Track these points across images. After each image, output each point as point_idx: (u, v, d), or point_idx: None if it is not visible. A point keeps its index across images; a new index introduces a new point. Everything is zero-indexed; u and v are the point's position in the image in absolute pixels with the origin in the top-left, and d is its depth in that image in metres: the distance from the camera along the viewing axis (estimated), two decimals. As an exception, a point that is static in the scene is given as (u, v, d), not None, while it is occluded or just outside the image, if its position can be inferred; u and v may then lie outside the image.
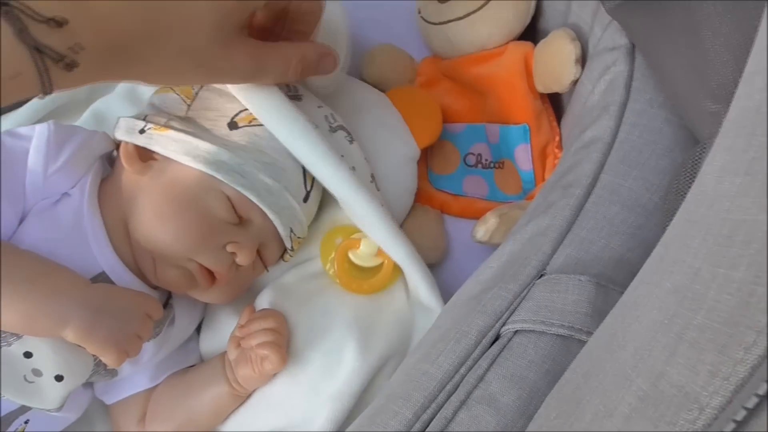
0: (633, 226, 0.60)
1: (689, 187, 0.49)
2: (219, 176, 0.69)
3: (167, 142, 0.70)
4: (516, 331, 0.55)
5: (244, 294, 0.80)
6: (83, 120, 0.87)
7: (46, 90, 0.47)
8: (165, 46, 0.51)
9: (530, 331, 0.54)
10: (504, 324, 0.56)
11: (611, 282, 0.57)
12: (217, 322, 0.82)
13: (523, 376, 0.53)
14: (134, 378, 0.78)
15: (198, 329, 0.85)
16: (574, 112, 0.81)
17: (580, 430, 0.38)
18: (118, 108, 0.88)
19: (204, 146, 0.69)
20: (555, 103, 0.91)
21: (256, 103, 0.70)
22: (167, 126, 0.71)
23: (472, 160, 0.93)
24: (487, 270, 0.64)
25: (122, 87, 0.90)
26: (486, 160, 0.92)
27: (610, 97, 0.67)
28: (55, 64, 0.46)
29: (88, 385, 0.76)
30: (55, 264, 0.65)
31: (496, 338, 0.57)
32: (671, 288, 0.35)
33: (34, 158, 0.68)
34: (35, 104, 0.85)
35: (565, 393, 0.44)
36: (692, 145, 0.63)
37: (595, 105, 0.70)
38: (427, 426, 0.53)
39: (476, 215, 0.87)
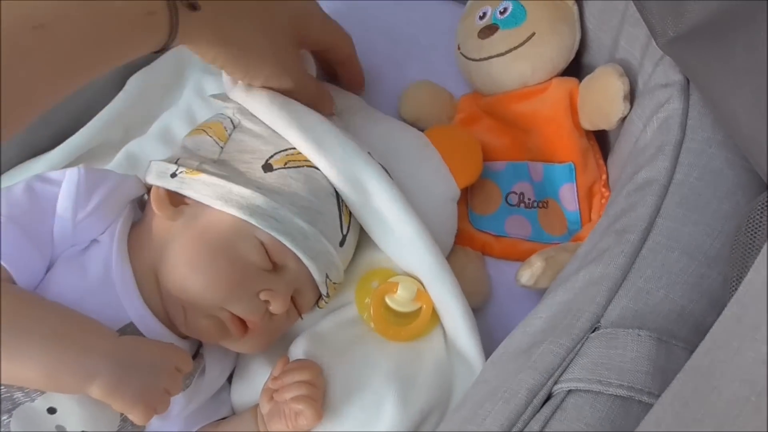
0: (695, 275, 0.55)
1: (758, 237, 0.45)
2: (253, 221, 0.67)
3: (200, 187, 0.68)
4: (569, 391, 0.51)
5: (277, 342, 0.76)
6: (116, 162, 0.86)
7: (174, 30, 0.56)
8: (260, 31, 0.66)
9: (585, 390, 0.50)
10: (556, 382, 0.52)
11: (673, 337, 0.53)
12: (250, 372, 0.79)
13: (579, 440, 0.48)
14: (165, 429, 0.75)
15: (229, 379, 0.81)
16: (623, 151, 0.77)
17: None
18: (152, 150, 0.86)
19: (238, 190, 0.67)
20: (601, 141, 0.87)
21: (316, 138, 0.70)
22: (200, 170, 0.69)
23: (514, 199, 0.89)
24: (536, 321, 0.60)
25: (156, 128, 0.89)
26: (529, 199, 0.88)
27: (665, 137, 0.64)
28: (181, 3, 0.56)
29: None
30: (82, 316, 0.62)
31: (548, 398, 0.52)
32: (757, 358, 0.30)
33: (63, 204, 0.67)
34: (70, 145, 0.84)
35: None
36: (757, 188, 0.59)
37: (648, 145, 0.66)
38: (475, 496, 0.48)
39: (520, 257, 0.83)
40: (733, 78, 0.56)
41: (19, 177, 0.83)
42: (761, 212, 0.48)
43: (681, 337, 0.52)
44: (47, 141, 0.86)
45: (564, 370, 0.52)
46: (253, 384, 0.78)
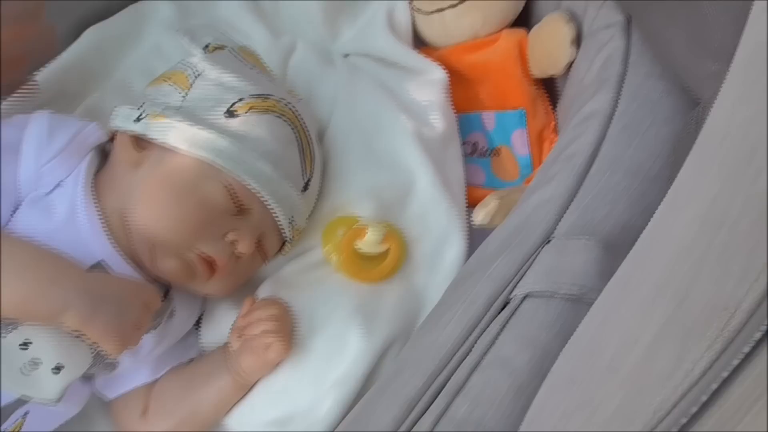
0: (637, 193, 0.60)
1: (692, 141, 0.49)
2: (218, 163, 0.69)
3: (164, 130, 0.70)
4: (525, 296, 0.55)
5: (243, 287, 0.79)
6: (76, 115, 0.87)
7: None
8: None
9: (540, 294, 0.54)
10: (513, 290, 0.56)
11: (618, 247, 0.57)
12: (217, 316, 0.81)
13: (534, 338, 0.52)
14: (134, 372, 0.76)
15: (197, 325, 0.83)
16: (569, 95, 0.81)
17: (600, 367, 0.37)
18: (111, 103, 0.86)
19: (202, 133, 0.69)
20: (549, 89, 0.91)
21: None
22: (164, 114, 0.70)
23: (468, 149, 0.93)
24: (489, 245, 0.64)
25: (115, 82, 0.90)
26: (482, 148, 0.92)
27: (608, 72, 0.68)
28: None
29: (87, 379, 0.74)
30: (52, 251, 0.63)
31: (505, 305, 0.56)
32: (690, 217, 0.35)
33: (28, 146, 0.68)
34: (29, 95, 0.84)
35: (580, 343, 0.44)
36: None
37: (593, 81, 0.70)
38: (439, 392, 0.52)
39: (474, 203, 0.87)
40: (668, 10, 0.60)
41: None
42: (696, 120, 0.53)
43: (625, 248, 0.56)
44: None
45: (520, 279, 0.56)
46: (221, 327, 0.80)
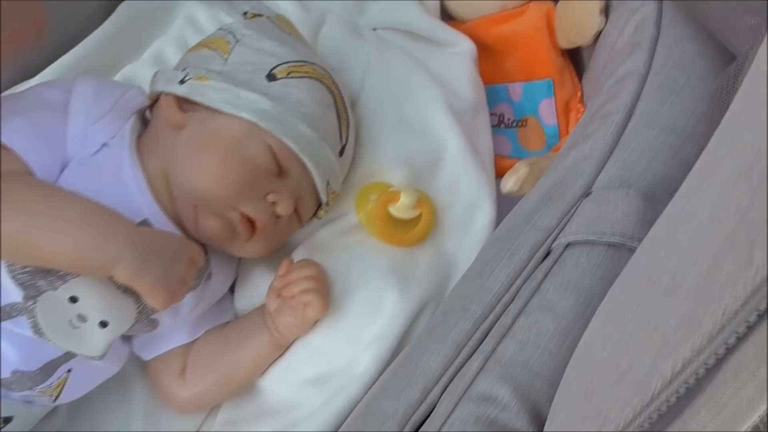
0: (673, 148, 0.62)
1: (733, 92, 0.51)
2: (261, 124, 0.70)
3: (208, 92, 0.71)
4: (567, 245, 0.57)
5: (277, 252, 0.80)
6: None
7: None
8: None
9: (582, 242, 0.56)
10: (555, 240, 0.58)
11: (656, 198, 0.59)
12: (252, 280, 0.83)
13: (578, 283, 0.54)
14: (173, 333, 0.78)
15: (231, 290, 0.85)
16: (599, 63, 0.83)
17: (657, 292, 0.39)
18: (147, 74, 0.88)
19: (246, 95, 0.70)
20: (574, 61, 0.93)
21: None
22: (208, 76, 0.72)
23: (494, 120, 0.94)
24: (527, 201, 0.66)
25: (150, 54, 0.91)
26: (509, 119, 0.94)
27: (641, 35, 0.70)
28: None
29: (127, 339, 0.76)
30: (103, 205, 0.65)
31: (547, 254, 0.58)
32: (745, 144, 0.36)
33: (75, 108, 0.69)
34: (61, 65, 0.86)
35: (631, 278, 0.46)
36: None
37: (625, 45, 0.72)
38: (487, 334, 0.53)
39: (502, 173, 0.88)
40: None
41: (17, 97, 0.85)
42: (735, 73, 0.54)
43: (663, 198, 0.58)
44: (39, 64, 0.88)
45: (561, 229, 0.58)
46: (256, 291, 0.82)
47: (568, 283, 0.54)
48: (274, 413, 0.77)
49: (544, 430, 0.46)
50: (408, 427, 0.51)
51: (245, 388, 0.79)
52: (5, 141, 0.64)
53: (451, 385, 0.52)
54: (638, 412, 0.36)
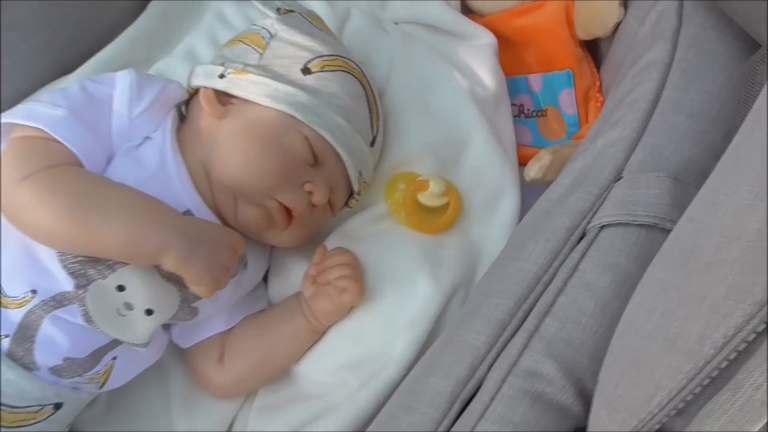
0: (699, 133, 0.64)
1: (756, 82, 0.53)
2: (298, 116, 0.73)
3: (247, 85, 0.74)
4: (602, 227, 0.59)
5: (309, 242, 0.83)
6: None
7: None
8: None
9: (616, 224, 0.58)
10: (589, 222, 0.60)
11: (684, 181, 0.61)
12: (285, 269, 0.85)
13: (614, 263, 0.57)
14: (211, 321, 0.80)
15: (264, 279, 0.87)
16: (617, 55, 0.85)
17: (700, 266, 0.41)
18: (178, 68, 0.91)
19: (283, 88, 0.73)
20: (592, 51, 0.95)
21: None
22: (246, 71, 0.74)
23: (514, 110, 0.97)
24: (558, 187, 0.68)
25: (181, 49, 0.94)
26: (528, 109, 0.96)
27: (663, 25, 0.72)
28: None
29: (167, 327, 0.79)
30: (151, 196, 0.68)
31: (582, 236, 0.60)
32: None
33: (119, 101, 0.71)
34: (98, 61, 0.89)
35: (669, 256, 0.48)
36: (747, 60, 0.68)
37: (647, 35, 0.74)
38: (528, 313, 0.56)
39: (523, 161, 0.91)
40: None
41: (53, 91, 0.87)
42: (759, 62, 0.57)
43: (691, 180, 0.61)
44: (75, 60, 0.90)
45: (595, 213, 0.61)
46: (289, 279, 0.84)
47: (604, 263, 0.57)
48: (311, 397, 0.80)
49: (594, 400, 0.48)
50: (457, 404, 0.54)
51: (281, 374, 0.82)
52: (56, 134, 0.66)
53: (497, 362, 0.54)
54: (691, 377, 0.38)
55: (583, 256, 0.58)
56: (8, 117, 0.68)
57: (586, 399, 0.53)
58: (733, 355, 0.37)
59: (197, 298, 0.72)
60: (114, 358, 0.72)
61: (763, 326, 0.35)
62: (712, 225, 0.43)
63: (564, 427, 0.53)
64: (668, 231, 0.57)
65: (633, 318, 0.48)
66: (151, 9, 0.94)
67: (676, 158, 0.62)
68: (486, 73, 0.91)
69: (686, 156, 0.63)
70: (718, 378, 0.38)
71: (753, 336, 0.36)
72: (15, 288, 0.66)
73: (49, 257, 0.66)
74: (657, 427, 0.41)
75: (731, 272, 0.38)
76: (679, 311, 0.42)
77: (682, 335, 0.40)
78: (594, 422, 0.47)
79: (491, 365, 0.55)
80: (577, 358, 0.53)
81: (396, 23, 0.99)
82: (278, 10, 0.80)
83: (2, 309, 0.66)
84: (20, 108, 0.69)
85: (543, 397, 0.52)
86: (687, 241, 0.46)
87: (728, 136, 0.60)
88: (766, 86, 0.47)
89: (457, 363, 0.55)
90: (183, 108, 0.81)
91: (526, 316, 0.56)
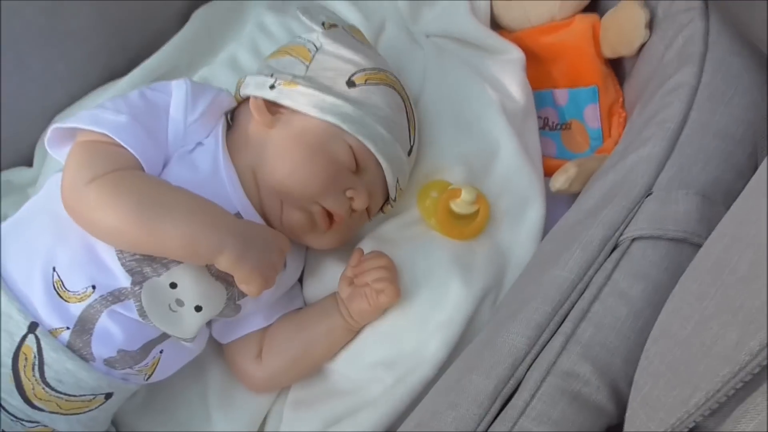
0: (725, 153, 0.69)
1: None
2: (344, 126, 0.77)
3: (296, 96, 0.78)
4: (633, 239, 0.64)
5: (345, 246, 0.87)
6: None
7: None
8: None
9: (647, 237, 0.63)
10: (621, 234, 0.65)
11: (711, 198, 0.66)
12: (321, 270, 0.89)
13: (646, 273, 0.61)
14: (251, 318, 0.84)
15: (299, 279, 0.91)
16: (643, 73, 0.90)
17: (734, 280, 0.46)
18: (222, 75, 0.96)
19: (330, 99, 0.77)
20: (615, 69, 1.00)
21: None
22: (295, 82, 0.78)
23: (539, 123, 1.01)
24: (590, 199, 0.72)
25: (224, 57, 0.99)
26: (553, 122, 1.00)
27: (690, 50, 0.77)
28: None
29: (208, 324, 0.82)
30: (206, 199, 0.72)
31: (615, 247, 0.65)
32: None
33: (175, 108, 0.76)
34: (146, 68, 0.93)
35: (702, 267, 0.53)
36: (769, 85, 0.73)
37: (674, 58, 0.79)
38: (565, 317, 0.60)
39: (548, 172, 0.95)
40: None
41: (104, 95, 0.92)
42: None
43: (717, 198, 0.65)
44: (122, 66, 0.95)
45: (627, 225, 0.65)
46: (324, 279, 0.88)
47: (636, 273, 0.61)
48: (344, 393, 0.83)
49: (630, 400, 0.53)
50: (498, 401, 0.58)
51: (316, 370, 0.86)
52: (120, 139, 0.70)
53: (536, 363, 0.58)
54: (726, 380, 0.43)
55: (616, 266, 0.62)
56: (75, 122, 0.72)
57: (618, 399, 0.57)
58: (766, 361, 0.41)
59: (242, 295, 0.77)
60: (161, 351, 0.76)
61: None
62: (744, 242, 0.47)
63: (598, 425, 0.57)
64: (696, 245, 0.61)
65: (668, 325, 0.53)
66: (194, 19, 0.98)
67: (703, 176, 0.67)
68: (515, 87, 0.95)
69: (713, 175, 0.67)
70: (751, 381, 0.42)
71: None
72: (76, 283, 0.70)
73: (108, 255, 0.70)
74: (692, 425, 0.46)
75: (765, 286, 0.42)
76: (715, 320, 0.46)
77: (718, 342, 0.44)
78: (631, 421, 0.51)
79: (530, 365, 0.59)
80: (611, 360, 0.58)
81: (427, 36, 1.03)
82: (323, 23, 0.84)
83: (63, 302, 0.69)
84: (85, 114, 0.73)
85: (580, 397, 0.57)
86: (720, 257, 0.50)
87: (752, 156, 0.65)
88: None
89: (498, 363, 0.59)
90: (229, 115, 0.85)
91: (563, 321, 0.60)
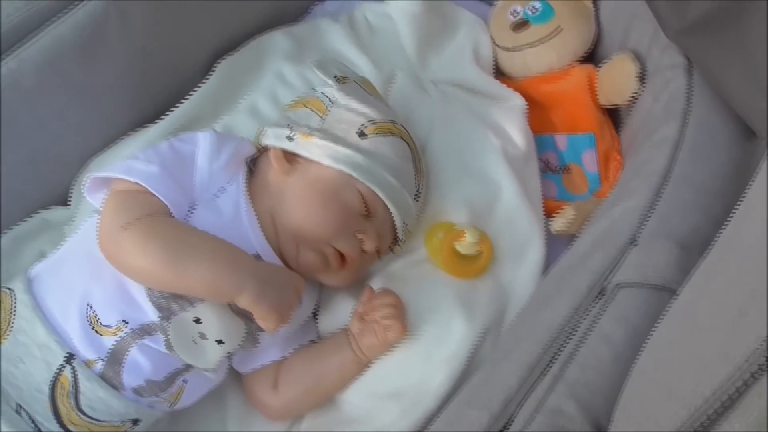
0: (704, 205, 0.75)
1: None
2: (355, 175, 0.84)
3: (312, 147, 0.85)
4: (617, 286, 0.69)
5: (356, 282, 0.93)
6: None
7: None
8: None
9: (631, 284, 0.68)
10: (606, 280, 0.71)
11: (690, 248, 0.71)
12: (334, 306, 0.95)
13: (627, 318, 0.67)
14: (268, 350, 0.90)
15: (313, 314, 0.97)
16: (634, 122, 0.96)
17: (694, 329, 0.51)
18: (242, 123, 1.03)
19: (343, 150, 0.84)
20: (612, 117, 1.06)
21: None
22: (311, 134, 0.86)
23: (540, 165, 1.07)
24: (581, 245, 0.79)
25: (244, 105, 1.06)
26: (554, 165, 1.06)
27: (674, 105, 0.83)
28: None
29: (229, 355, 0.89)
30: (229, 243, 0.78)
31: (600, 292, 0.71)
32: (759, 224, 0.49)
33: (202, 157, 0.83)
34: (174, 116, 1.01)
35: (675, 313, 0.58)
36: (746, 140, 0.79)
37: (660, 112, 0.85)
38: (553, 359, 0.66)
39: (549, 213, 1.01)
40: (726, 58, 0.75)
41: (135, 141, 1.00)
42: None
43: (695, 248, 0.71)
44: (151, 113, 1.03)
45: (611, 272, 0.71)
46: (337, 313, 0.94)
47: (619, 318, 0.67)
48: (354, 422, 0.89)
49: (607, 433, 0.59)
50: (490, 434, 0.64)
51: (329, 399, 0.92)
52: (152, 188, 0.77)
53: (528, 400, 0.64)
54: (684, 421, 0.48)
55: (601, 311, 0.68)
56: (111, 171, 0.80)
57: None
58: (718, 404, 0.47)
59: (260, 330, 0.83)
60: (185, 381, 0.83)
61: (742, 384, 0.45)
62: (705, 295, 0.53)
63: (580, 458, 0.63)
64: (674, 291, 0.67)
65: (642, 367, 0.58)
66: (217, 70, 1.06)
67: (683, 227, 0.73)
68: (517, 133, 1.01)
69: (691, 225, 0.73)
70: (707, 422, 0.48)
71: (734, 390, 0.46)
72: (109, 318, 0.77)
73: (139, 293, 0.77)
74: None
75: (717, 338, 0.48)
76: (677, 366, 0.52)
77: (679, 386, 0.50)
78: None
79: (520, 402, 0.65)
80: (594, 399, 0.63)
81: (435, 83, 1.10)
82: (336, 77, 0.91)
83: (98, 336, 0.76)
84: (120, 164, 0.81)
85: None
86: (687, 305, 0.56)
87: (728, 209, 0.71)
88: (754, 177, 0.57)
89: (492, 399, 0.65)
90: (250, 162, 0.92)
91: (552, 362, 0.66)
